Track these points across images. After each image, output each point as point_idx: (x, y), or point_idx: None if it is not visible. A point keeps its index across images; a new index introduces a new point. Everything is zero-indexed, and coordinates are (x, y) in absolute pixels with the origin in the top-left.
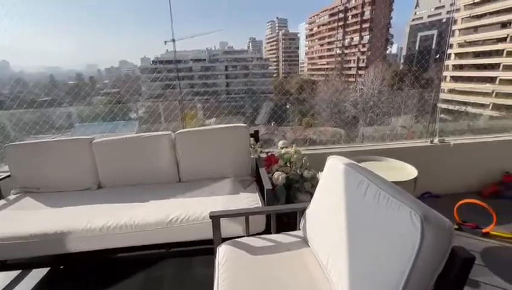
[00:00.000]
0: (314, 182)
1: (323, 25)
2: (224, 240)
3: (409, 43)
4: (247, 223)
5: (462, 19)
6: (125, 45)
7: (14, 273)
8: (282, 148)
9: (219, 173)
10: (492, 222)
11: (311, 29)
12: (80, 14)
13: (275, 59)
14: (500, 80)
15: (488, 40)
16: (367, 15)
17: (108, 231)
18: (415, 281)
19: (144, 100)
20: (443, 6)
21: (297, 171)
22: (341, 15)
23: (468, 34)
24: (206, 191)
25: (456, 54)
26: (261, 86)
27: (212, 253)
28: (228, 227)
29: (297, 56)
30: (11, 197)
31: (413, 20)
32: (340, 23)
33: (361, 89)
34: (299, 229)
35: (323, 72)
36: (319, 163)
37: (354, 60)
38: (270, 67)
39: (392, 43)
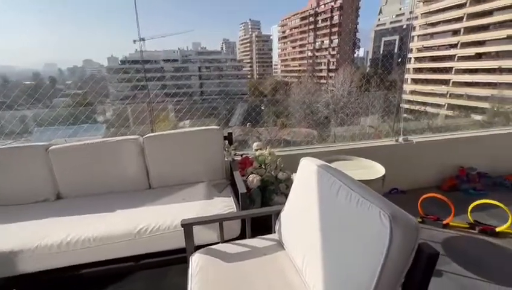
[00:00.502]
0: (289, 183)
1: (295, 28)
2: (198, 247)
3: (374, 47)
4: (222, 229)
5: (419, 26)
6: (90, 44)
7: None
8: (256, 150)
9: (192, 178)
10: (451, 213)
11: (284, 32)
12: (37, 9)
13: (249, 60)
14: (453, 82)
15: (442, 45)
16: (336, 20)
17: (68, 246)
18: (386, 280)
19: (112, 102)
20: (403, 14)
21: (272, 173)
22: (311, 19)
23: (425, 40)
24: (178, 198)
25: (415, 58)
26: (235, 88)
27: (186, 261)
28: (202, 234)
29: (271, 58)
30: None
31: (378, 25)
32: (311, 27)
33: (332, 90)
34: (275, 233)
35: (296, 74)
36: (293, 164)
37: (325, 63)
38: (244, 69)
39: (359, 47)
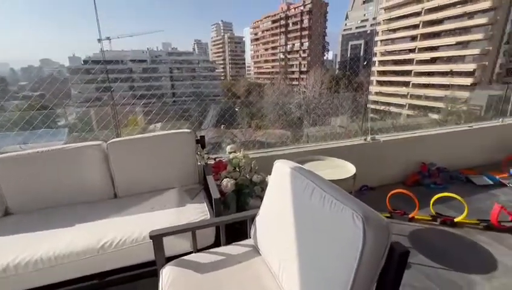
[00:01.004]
0: (263, 185)
1: (267, 30)
2: (170, 259)
3: (342, 51)
4: (194, 238)
5: (382, 31)
6: (48, 42)
7: None
8: (230, 152)
9: (162, 185)
10: (416, 207)
11: (256, 34)
12: None
13: (221, 62)
14: (412, 84)
15: (402, 50)
16: (306, 23)
17: (16, 270)
18: (361, 281)
19: (73, 104)
20: (367, 20)
21: (247, 176)
22: (283, 22)
23: (387, 45)
24: (147, 207)
25: (379, 61)
26: (208, 89)
27: (157, 275)
28: (173, 245)
29: (244, 59)
30: None
31: (345, 30)
32: (282, 30)
33: (304, 92)
34: (250, 238)
35: (269, 76)
36: (268, 166)
37: (297, 65)
38: (217, 70)
39: (328, 50)
